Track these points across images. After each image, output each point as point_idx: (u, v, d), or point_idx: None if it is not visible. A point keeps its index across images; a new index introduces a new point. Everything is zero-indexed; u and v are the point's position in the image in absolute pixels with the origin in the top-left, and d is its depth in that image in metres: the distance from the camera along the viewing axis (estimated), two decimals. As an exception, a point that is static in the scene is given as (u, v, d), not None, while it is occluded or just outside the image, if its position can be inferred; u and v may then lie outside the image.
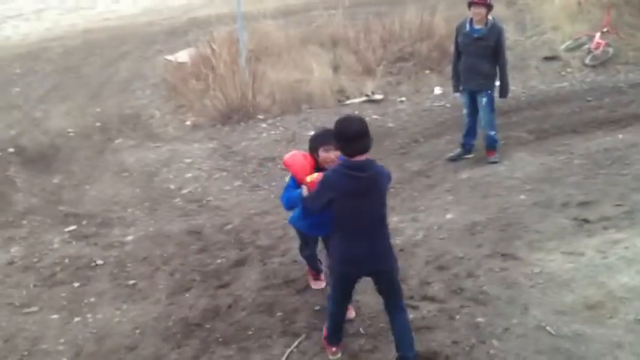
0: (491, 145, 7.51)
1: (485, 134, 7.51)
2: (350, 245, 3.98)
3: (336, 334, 4.41)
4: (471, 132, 7.62)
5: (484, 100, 7.27)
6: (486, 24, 7.00)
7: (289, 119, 9.79)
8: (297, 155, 4.49)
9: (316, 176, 4.11)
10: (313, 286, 5.29)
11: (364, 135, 3.80)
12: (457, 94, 7.77)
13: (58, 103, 11.45)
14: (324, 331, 4.48)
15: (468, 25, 7.10)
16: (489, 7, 6.98)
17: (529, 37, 11.60)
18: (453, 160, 7.64)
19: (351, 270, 4.08)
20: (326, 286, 5.14)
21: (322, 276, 5.27)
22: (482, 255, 5.43)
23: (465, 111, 7.57)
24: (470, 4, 7.05)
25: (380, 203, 3.96)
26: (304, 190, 4.21)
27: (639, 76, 10.06)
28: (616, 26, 11.14)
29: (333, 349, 4.41)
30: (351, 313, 4.77)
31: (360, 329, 4.65)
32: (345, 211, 3.92)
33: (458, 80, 7.43)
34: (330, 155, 4.28)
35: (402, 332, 4.15)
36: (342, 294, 4.23)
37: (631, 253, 5.08)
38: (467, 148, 7.69)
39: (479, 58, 7.07)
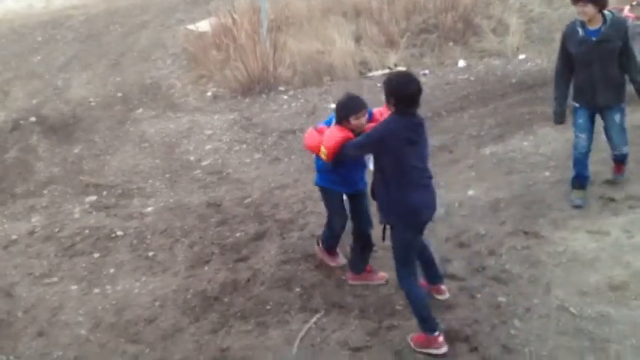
0: (622, 160, 5.82)
1: (617, 154, 5.72)
2: (418, 192, 4.06)
3: (432, 316, 4.15)
4: (586, 164, 5.70)
5: (617, 116, 5.48)
6: (605, 21, 5.29)
7: (310, 91, 9.68)
8: (310, 134, 4.52)
9: (328, 138, 4.26)
10: (334, 264, 5.19)
11: (420, 94, 4.03)
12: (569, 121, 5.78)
13: (79, 71, 11.47)
14: (420, 328, 4.15)
15: (580, 29, 5.36)
16: (599, 5, 5.23)
17: (556, 9, 11.30)
18: (581, 206, 5.63)
19: (425, 216, 4.14)
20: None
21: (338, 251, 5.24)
22: (505, 232, 5.35)
23: (581, 137, 5.58)
24: (574, 2, 5.38)
25: (427, 149, 4.20)
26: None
27: (670, 49, 9.77)
28: (647, -2, 10.80)
29: (439, 337, 4.11)
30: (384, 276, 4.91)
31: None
32: (405, 160, 3.99)
33: (562, 105, 5.66)
34: (362, 121, 4.39)
35: (430, 262, 4.53)
36: (414, 254, 4.21)
37: (658, 234, 4.97)
38: (582, 182, 5.73)
39: (605, 66, 5.35)
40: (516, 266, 4.85)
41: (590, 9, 5.22)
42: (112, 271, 5.59)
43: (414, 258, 4.21)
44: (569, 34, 5.51)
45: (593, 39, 5.31)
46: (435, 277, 4.59)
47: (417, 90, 3.99)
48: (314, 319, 4.56)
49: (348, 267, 5.02)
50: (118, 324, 4.84)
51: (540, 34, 10.57)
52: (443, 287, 4.61)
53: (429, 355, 4.09)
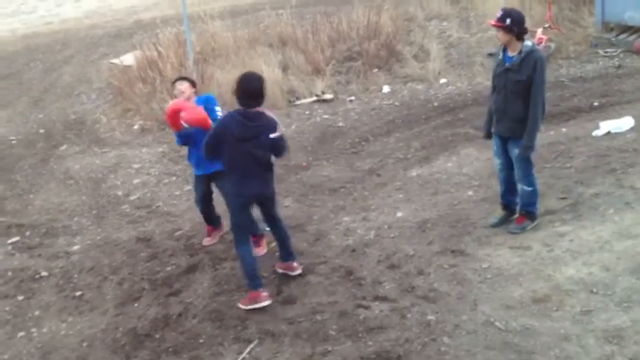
0: (525, 207, 5.63)
1: (520, 188, 5.60)
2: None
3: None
4: (508, 187, 5.73)
5: (515, 150, 5.44)
6: (520, 52, 5.26)
7: (239, 121, 9.67)
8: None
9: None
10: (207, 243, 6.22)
11: (262, 91, 4.93)
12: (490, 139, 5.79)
13: (-1, 110, 11.12)
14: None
15: (501, 53, 5.40)
16: (512, 32, 5.20)
17: (474, 34, 11.76)
18: (496, 225, 5.74)
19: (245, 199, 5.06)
20: None
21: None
22: (433, 252, 5.48)
23: (496, 161, 5.73)
24: (493, 24, 5.38)
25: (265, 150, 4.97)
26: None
27: (580, 70, 10.29)
28: (557, 21, 11.38)
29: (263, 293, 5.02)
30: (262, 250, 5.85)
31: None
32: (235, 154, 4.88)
33: (489, 122, 5.67)
34: (180, 88, 5.98)
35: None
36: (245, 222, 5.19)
37: (576, 246, 5.20)
38: (510, 207, 5.79)
39: (508, 97, 5.31)
40: (444, 284, 4.97)
41: (501, 35, 5.24)
42: (37, 313, 5.40)
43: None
44: (495, 55, 5.61)
45: (506, 65, 5.31)
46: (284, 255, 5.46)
47: (260, 86, 4.85)
48: (248, 350, 4.53)
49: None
50: (44, 368, 4.69)
51: (459, 59, 10.97)
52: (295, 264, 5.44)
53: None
